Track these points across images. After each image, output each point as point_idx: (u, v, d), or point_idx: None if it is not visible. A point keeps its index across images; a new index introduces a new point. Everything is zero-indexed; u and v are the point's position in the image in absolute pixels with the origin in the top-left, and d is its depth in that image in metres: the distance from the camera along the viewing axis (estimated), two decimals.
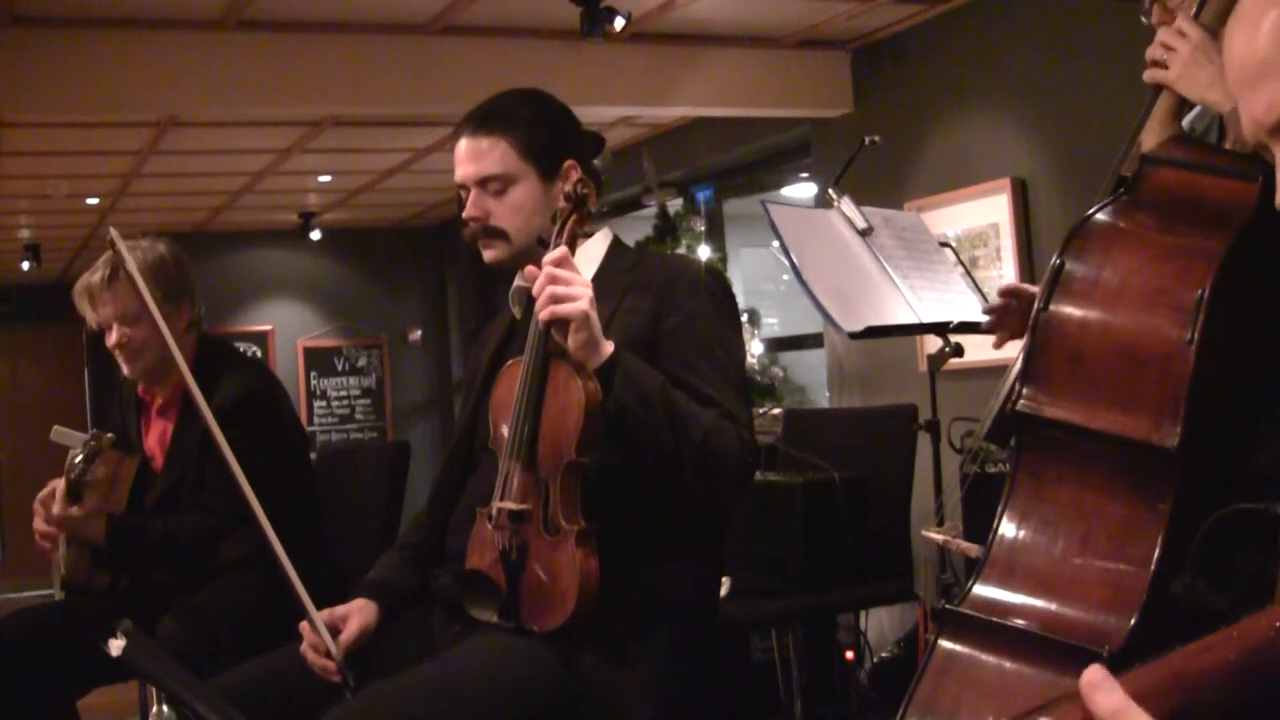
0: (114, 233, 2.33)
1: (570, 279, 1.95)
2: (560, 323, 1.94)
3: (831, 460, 3.84)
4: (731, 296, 2.27)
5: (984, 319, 3.71)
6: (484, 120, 2.21)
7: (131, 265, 2.34)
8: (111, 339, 3.01)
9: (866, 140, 4.14)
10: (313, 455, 3.48)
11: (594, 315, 1.94)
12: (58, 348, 11.26)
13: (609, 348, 1.96)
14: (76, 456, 2.85)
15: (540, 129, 2.21)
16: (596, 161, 2.29)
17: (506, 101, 2.24)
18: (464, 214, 2.22)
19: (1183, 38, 1.83)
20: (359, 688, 2.00)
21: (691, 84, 5.61)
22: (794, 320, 7.12)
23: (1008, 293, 2.16)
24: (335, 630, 2.09)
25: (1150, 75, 1.86)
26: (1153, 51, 1.87)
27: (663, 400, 1.96)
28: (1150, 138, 1.84)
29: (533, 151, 2.19)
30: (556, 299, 1.93)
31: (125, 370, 3.07)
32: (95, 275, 2.99)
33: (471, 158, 2.20)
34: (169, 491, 2.99)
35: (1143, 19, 2.05)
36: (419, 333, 10.52)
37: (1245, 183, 1.61)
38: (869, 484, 3.82)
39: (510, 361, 2.13)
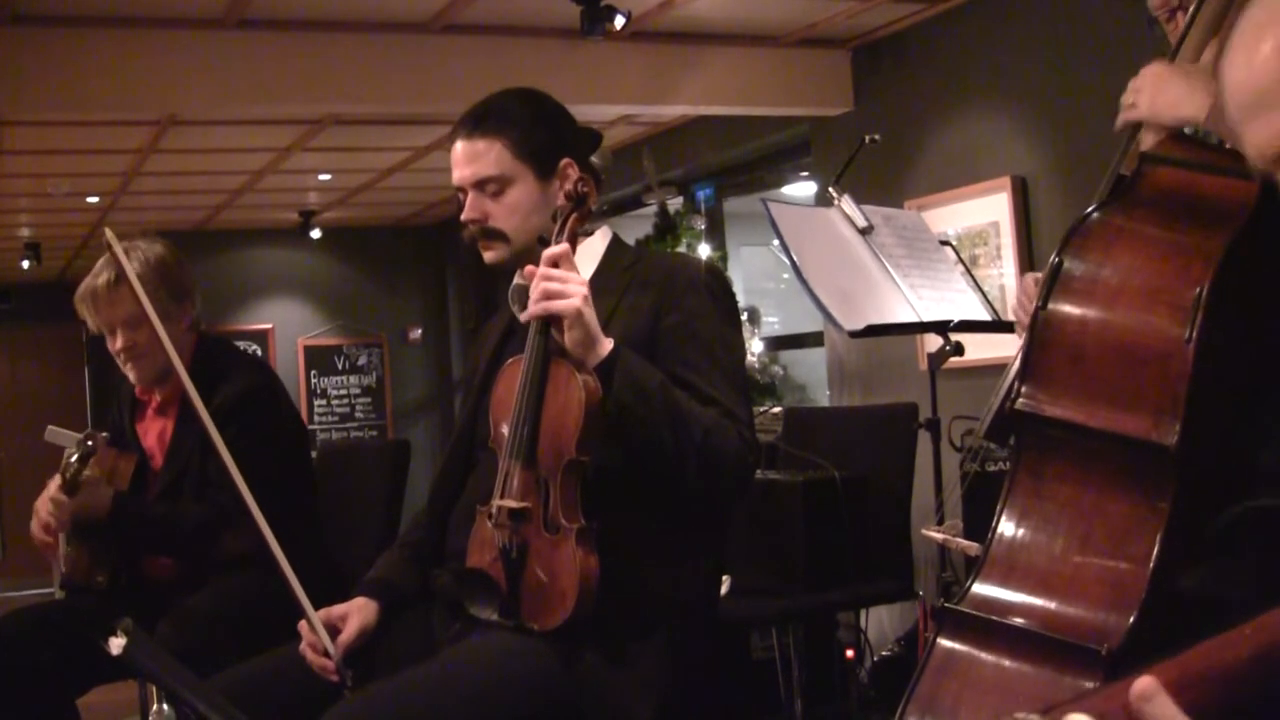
0: (109, 234, 2.32)
1: (565, 276, 1.95)
2: (556, 320, 1.95)
3: (832, 459, 3.84)
4: (731, 295, 2.27)
5: (985, 317, 3.73)
6: (479, 122, 2.21)
7: (128, 267, 2.33)
8: (117, 344, 2.98)
9: (867, 139, 4.14)
10: (313, 454, 3.48)
11: (588, 313, 1.94)
12: (58, 347, 11.26)
13: (608, 345, 1.97)
14: (72, 456, 2.84)
15: (535, 129, 2.21)
16: (595, 159, 2.29)
17: (501, 102, 2.24)
18: (462, 216, 2.22)
19: (1140, 76, 1.90)
20: (358, 687, 2.00)
21: (691, 83, 5.61)
22: (794, 319, 7.12)
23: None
24: (335, 629, 2.10)
25: (1122, 118, 1.93)
26: (1124, 98, 1.93)
27: (663, 398, 1.96)
28: (1149, 136, 1.85)
29: (528, 152, 2.19)
30: (549, 295, 1.93)
31: (131, 376, 3.05)
32: (99, 279, 2.95)
33: (467, 160, 2.20)
34: (169, 488, 2.99)
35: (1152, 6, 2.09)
36: (419, 331, 10.52)
37: (1244, 181, 1.61)
38: (869, 483, 3.82)
39: (510, 360, 2.13)
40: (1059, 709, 0.85)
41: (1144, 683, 0.88)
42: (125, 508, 2.89)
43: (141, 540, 2.95)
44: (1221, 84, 1.17)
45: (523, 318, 1.99)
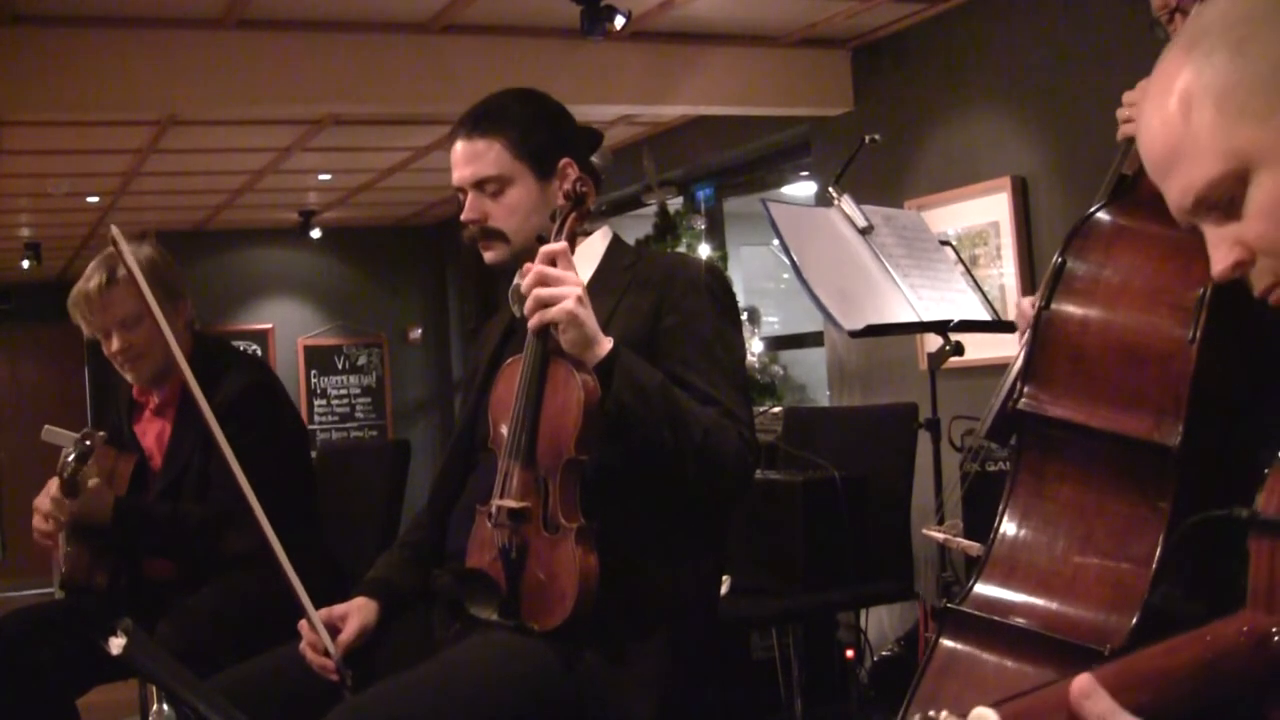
0: (116, 231, 2.32)
1: (559, 278, 1.94)
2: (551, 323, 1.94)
3: (832, 459, 3.84)
4: (731, 295, 2.27)
5: (985, 317, 3.73)
6: (478, 122, 2.21)
7: (133, 263, 2.33)
8: (113, 346, 2.97)
9: (866, 139, 4.14)
10: (313, 454, 3.48)
11: (582, 313, 1.93)
12: (58, 346, 11.26)
13: (607, 345, 1.96)
14: (69, 456, 2.84)
15: (534, 128, 2.21)
16: (595, 159, 2.29)
17: (500, 102, 2.24)
18: (462, 216, 2.22)
19: (1136, 90, 1.93)
20: (358, 686, 2.00)
21: (691, 83, 5.61)
22: (794, 319, 7.12)
23: None
24: (335, 629, 2.09)
25: (1121, 131, 1.94)
26: (1120, 113, 1.95)
27: (662, 398, 1.96)
28: None
29: (527, 151, 2.19)
30: (541, 303, 1.93)
31: (130, 377, 3.05)
32: (90, 282, 2.94)
33: (467, 160, 2.20)
34: (169, 489, 2.99)
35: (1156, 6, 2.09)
36: (419, 331, 10.52)
37: None
38: (869, 482, 3.82)
39: (510, 360, 2.13)
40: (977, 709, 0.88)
41: (1083, 680, 0.90)
42: (127, 511, 2.89)
43: (145, 542, 2.95)
44: (1138, 142, 1.20)
45: (530, 325, 1.99)
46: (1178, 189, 1.16)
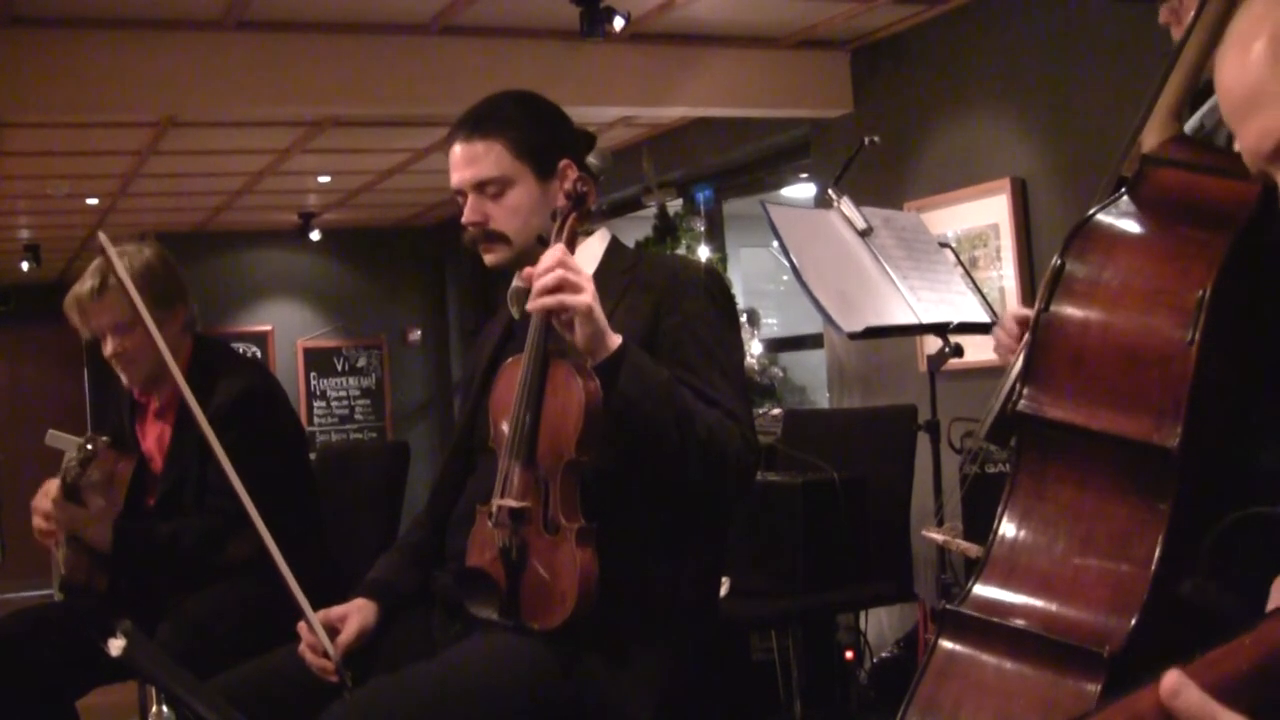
0: (104, 238, 2.32)
1: (575, 270, 1.94)
2: (566, 319, 1.93)
3: (831, 460, 3.84)
4: (730, 297, 2.27)
5: (984, 319, 3.73)
6: (477, 124, 2.20)
7: (121, 270, 2.33)
8: (108, 349, 2.99)
9: (866, 140, 4.14)
10: (312, 456, 3.47)
11: (598, 309, 1.93)
12: (58, 348, 11.25)
13: (615, 341, 1.96)
14: (71, 460, 2.84)
15: (533, 129, 2.21)
16: (594, 159, 2.29)
17: (497, 104, 2.24)
18: (463, 219, 2.22)
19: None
20: (358, 687, 2.00)
21: (691, 84, 5.61)
22: (794, 320, 7.12)
23: (1023, 323, 2.13)
24: (334, 630, 2.09)
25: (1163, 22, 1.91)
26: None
27: (668, 396, 1.96)
28: (1151, 138, 1.84)
29: (527, 152, 2.19)
30: (563, 285, 1.91)
31: (124, 379, 3.06)
32: (84, 286, 2.95)
33: (466, 162, 2.20)
34: (170, 493, 2.99)
35: (1161, 21, 2.07)
36: (419, 333, 10.52)
37: (1245, 183, 1.61)
38: (869, 484, 3.82)
39: (510, 360, 2.13)
40: None
41: (1171, 677, 0.88)
42: (128, 536, 2.88)
43: (146, 565, 2.94)
44: (1216, 83, 1.19)
45: (529, 306, 1.96)
46: (1256, 133, 1.16)
